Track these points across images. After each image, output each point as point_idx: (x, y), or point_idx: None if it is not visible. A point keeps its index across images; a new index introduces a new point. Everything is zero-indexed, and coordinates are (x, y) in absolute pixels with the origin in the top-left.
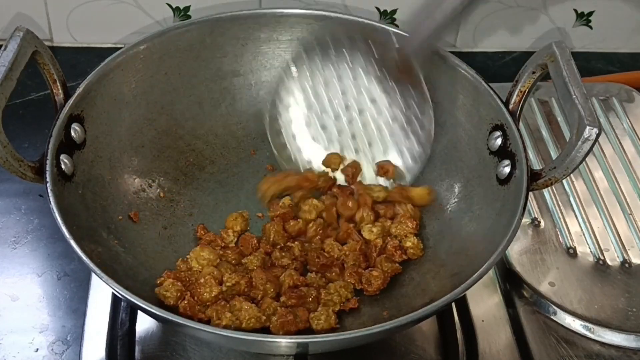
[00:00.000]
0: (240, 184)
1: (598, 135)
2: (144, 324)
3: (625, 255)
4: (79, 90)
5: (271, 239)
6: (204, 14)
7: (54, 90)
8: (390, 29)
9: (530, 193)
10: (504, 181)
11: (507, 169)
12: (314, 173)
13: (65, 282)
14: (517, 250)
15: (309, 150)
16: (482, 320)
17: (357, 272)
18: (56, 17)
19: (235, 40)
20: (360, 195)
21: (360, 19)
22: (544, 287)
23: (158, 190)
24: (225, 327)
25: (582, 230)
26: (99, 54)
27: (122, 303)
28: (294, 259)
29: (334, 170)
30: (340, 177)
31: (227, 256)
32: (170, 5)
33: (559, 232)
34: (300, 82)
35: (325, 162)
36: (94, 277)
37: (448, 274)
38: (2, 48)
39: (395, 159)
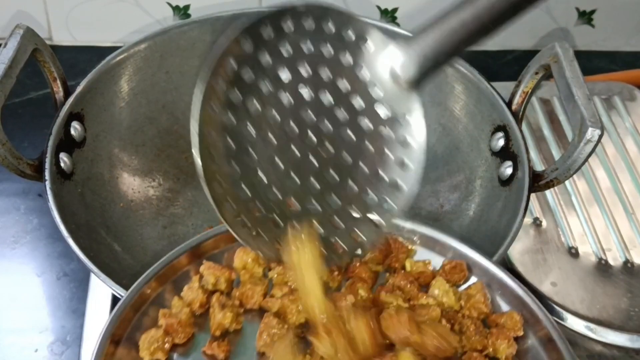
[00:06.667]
0: None
1: (600, 137)
2: None
3: (627, 255)
4: (79, 89)
5: None
6: (204, 12)
7: (54, 88)
8: (392, 28)
9: (532, 193)
10: (505, 182)
11: (509, 170)
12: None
13: (65, 282)
14: (518, 250)
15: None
16: None
17: None
18: (56, 15)
19: None
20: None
21: (360, 18)
22: (545, 287)
23: (158, 189)
24: None
25: (584, 230)
26: (98, 52)
27: None
28: None
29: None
30: None
31: None
32: (170, 4)
33: (560, 232)
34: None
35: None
36: (93, 277)
37: None
38: (2, 46)
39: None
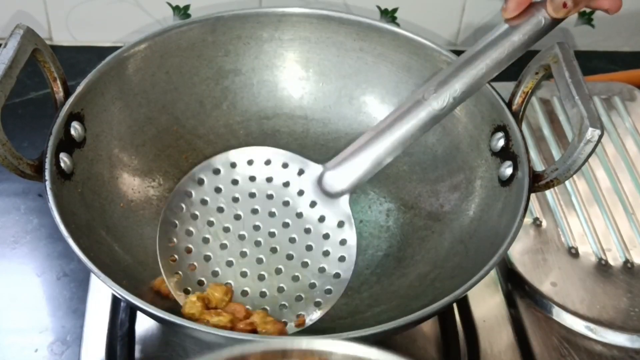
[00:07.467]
0: None
1: (600, 137)
2: (144, 324)
3: (627, 255)
4: (79, 89)
5: None
6: (204, 13)
7: (54, 89)
8: (393, 29)
9: (532, 193)
10: (505, 182)
11: (509, 171)
12: None
13: (65, 282)
14: (518, 250)
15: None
16: (484, 321)
17: None
18: (56, 15)
19: (237, 39)
20: None
21: (361, 18)
22: (545, 287)
23: (158, 189)
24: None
25: (584, 230)
26: (98, 52)
27: (122, 303)
28: None
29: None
30: None
31: None
32: (170, 4)
33: (560, 232)
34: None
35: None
36: (93, 277)
37: (449, 275)
38: (2, 46)
39: (316, 276)
